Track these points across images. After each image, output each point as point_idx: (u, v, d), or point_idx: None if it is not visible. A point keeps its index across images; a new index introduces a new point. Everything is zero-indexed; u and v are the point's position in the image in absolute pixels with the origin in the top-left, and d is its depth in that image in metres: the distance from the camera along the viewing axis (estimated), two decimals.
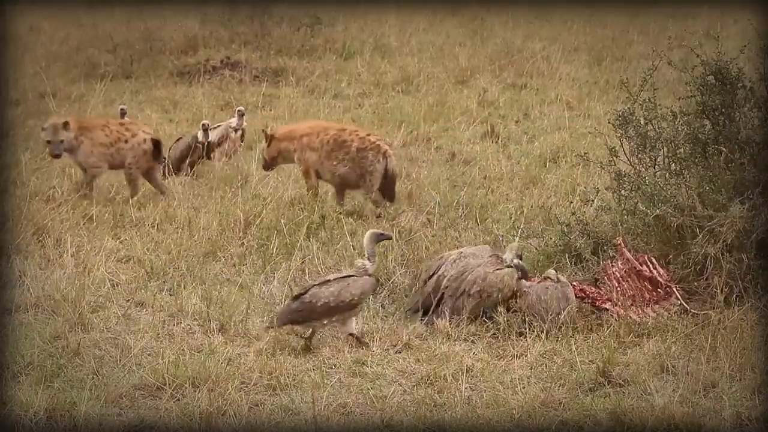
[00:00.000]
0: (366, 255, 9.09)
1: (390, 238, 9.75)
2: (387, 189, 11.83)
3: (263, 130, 12.58)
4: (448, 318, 9.25)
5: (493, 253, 9.60)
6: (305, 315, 8.87)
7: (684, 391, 8.04)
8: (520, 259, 9.53)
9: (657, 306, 9.37)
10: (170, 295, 9.73)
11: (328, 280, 8.95)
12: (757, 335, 8.78)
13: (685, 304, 9.33)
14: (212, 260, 10.45)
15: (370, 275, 9.00)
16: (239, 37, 19.73)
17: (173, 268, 10.16)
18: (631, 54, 19.81)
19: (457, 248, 10.08)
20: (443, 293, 9.42)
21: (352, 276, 8.98)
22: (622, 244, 9.62)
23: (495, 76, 18.34)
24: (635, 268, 9.51)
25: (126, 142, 12.13)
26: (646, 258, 9.57)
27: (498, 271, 9.36)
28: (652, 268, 9.52)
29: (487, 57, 19.19)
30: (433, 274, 9.62)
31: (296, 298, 8.92)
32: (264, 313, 9.41)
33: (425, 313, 9.45)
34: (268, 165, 12.45)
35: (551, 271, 9.41)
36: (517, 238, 10.30)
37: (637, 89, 10.17)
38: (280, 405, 7.93)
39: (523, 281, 9.37)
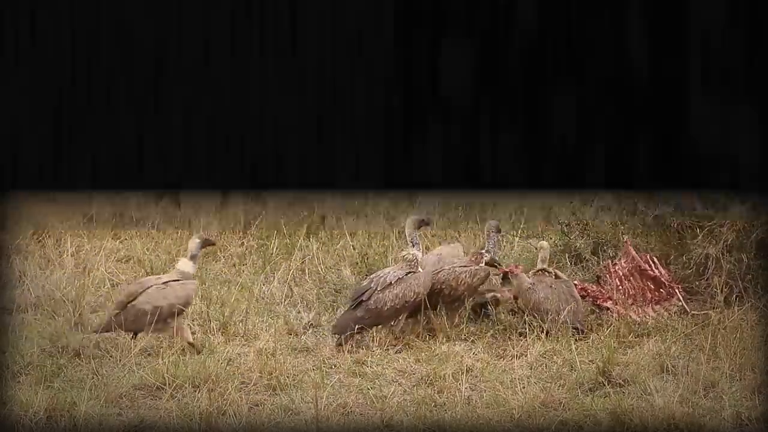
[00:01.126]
0: (410, 243, 9.07)
1: (429, 224, 9.74)
2: None
3: None
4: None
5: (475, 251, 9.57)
6: (372, 321, 8.89)
7: (684, 391, 8.03)
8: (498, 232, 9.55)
9: (657, 306, 9.36)
10: None
11: (390, 284, 8.92)
12: (757, 335, 8.77)
13: (685, 305, 9.32)
14: (212, 260, 10.44)
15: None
16: None
17: (173, 268, 10.12)
18: None
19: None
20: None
21: (409, 273, 8.96)
22: (628, 243, 9.61)
23: None
24: (639, 266, 9.50)
25: None
26: (648, 257, 9.57)
27: (469, 267, 9.30)
28: (654, 268, 9.51)
29: None
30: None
31: (357, 305, 8.89)
32: (264, 313, 9.40)
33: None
34: None
35: (543, 243, 9.41)
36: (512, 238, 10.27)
37: None
38: (280, 405, 7.92)
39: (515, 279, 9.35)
